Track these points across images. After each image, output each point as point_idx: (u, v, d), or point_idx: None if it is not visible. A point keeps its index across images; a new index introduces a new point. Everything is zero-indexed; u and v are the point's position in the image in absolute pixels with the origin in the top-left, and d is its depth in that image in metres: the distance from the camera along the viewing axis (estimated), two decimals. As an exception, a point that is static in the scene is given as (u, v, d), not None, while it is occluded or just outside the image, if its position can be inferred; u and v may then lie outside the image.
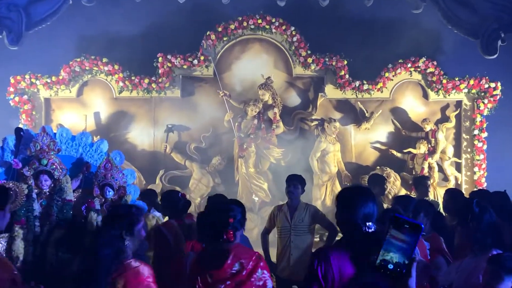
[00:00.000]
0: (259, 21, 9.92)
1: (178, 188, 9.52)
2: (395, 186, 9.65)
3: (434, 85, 10.09)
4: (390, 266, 2.28)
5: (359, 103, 10.15)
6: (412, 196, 7.17)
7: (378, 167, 9.90)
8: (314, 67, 10.05)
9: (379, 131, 10.35)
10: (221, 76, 10.06)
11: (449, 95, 10.16)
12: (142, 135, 10.21)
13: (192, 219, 5.38)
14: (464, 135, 10.22)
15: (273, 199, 9.69)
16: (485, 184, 10.00)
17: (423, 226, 2.35)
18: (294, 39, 10.00)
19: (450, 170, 10.13)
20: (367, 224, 2.79)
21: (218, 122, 10.06)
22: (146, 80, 9.95)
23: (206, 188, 9.87)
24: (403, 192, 9.56)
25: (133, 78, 10.00)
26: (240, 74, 10.19)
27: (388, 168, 9.75)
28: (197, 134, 10.12)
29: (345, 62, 9.99)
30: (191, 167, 9.99)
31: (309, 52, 10.03)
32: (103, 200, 5.80)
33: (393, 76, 10.16)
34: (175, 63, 9.99)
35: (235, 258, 3.25)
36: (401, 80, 10.26)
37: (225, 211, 3.39)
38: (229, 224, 3.32)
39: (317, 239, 8.09)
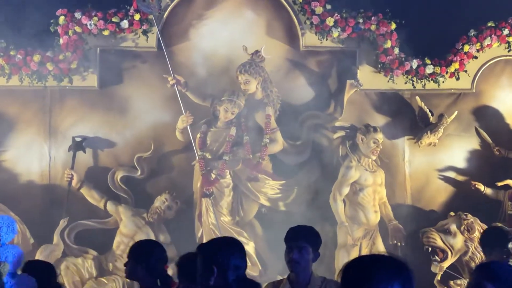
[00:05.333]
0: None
1: (92, 252, 9.61)
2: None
3: (550, 67, 10.23)
4: None
5: (418, 98, 10.20)
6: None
7: (452, 213, 9.91)
8: (339, 34, 10.06)
9: (453, 149, 10.48)
10: (171, 49, 10.11)
11: None
12: (28, 157, 10.22)
13: None
14: None
15: (264, 270, 9.70)
16: None
17: None
18: (303, -16, 10.05)
19: None
20: None
21: (166, 132, 10.11)
22: (37, 57, 9.95)
23: (144, 252, 9.79)
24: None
25: (12, 53, 10.00)
26: (206, 46, 10.23)
27: (469, 215, 9.74)
28: (127, 154, 10.21)
29: (393, 26, 10.06)
30: (116, 214, 9.97)
31: (329, 7, 10.03)
32: (-46, 273, 5.61)
33: (477, 51, 10.21)
34: (89, 27, 9.97)
35: None
36: (492, 58, 10.35)
37: None
38: None
39: None
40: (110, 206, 9.97)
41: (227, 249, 4.39)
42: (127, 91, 10.24)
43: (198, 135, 9.88)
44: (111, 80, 10.26)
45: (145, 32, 10.12)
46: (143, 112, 10.11)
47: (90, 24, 9.96)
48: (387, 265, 2.93)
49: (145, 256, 5.26)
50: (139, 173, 10.04)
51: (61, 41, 9.99)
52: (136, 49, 10.26)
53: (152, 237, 9.69)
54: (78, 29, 9.98)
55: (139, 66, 10.33)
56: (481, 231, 9.43)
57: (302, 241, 5.75)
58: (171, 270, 8.53)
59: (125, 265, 5.33)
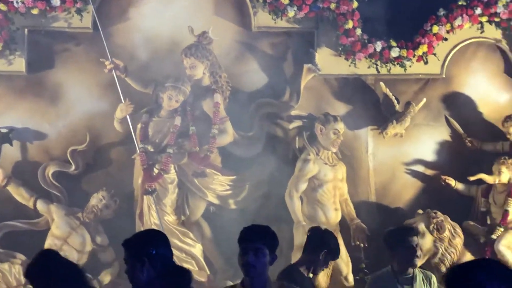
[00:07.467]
0: None
1: (21, 256, 9.54)
2: (452, 247, 9.65)
3: (527, 50, 10.23)
4: None
5: (382, 84, 10.20)
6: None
7: (420, 211, 9.92)
8: (295, 13, 9.97)
9: (421, 141, 10.55)
10: (108, 30, 10.00)
11: (555, 69, 10.30)
12: None
13: None
14: None
15: (213, 275, 9.76)
16: None
17: None
18: (254, -43, 9.98)
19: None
20: None
21: (103, 123, 10.03)
22: (-45, 40, 9.78)
23: (79, 255, 9.67)
24: (468, 258, 9.45)
25: None
26: (147, 26, 10.10)
27: (439, 213, 9.72)
28: (60, 147, 10.10)
29: (355, 5, 10.03)
30: (47, 214, 9.85)
31: (284, -16, 9.91)
32: None
33: (447, 32, 10.20)
34: (15, 5, 9.77)
35: None
36: (463, 40, 10.36)
37: None
38: None
39: None
40: (40, 205, 9.83)
41: (155, 240, 4.95)
42: (59, 77, 10.10)
43: (139, 126, 9.80)
44: (41, 64, 10.15)
45: (79, 11, 9.93)
46: (77, 100, 10.00)
47: (17, 2, 9.75)
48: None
49: None
50: (73, 168, 9.92)
51: (-17, 21, 9.79)
52: (69, 30, 10.11)
53: (88, 239, 9.78)
54: (3, 7, 9.79)
55: (73, 49, 10.21)
56: (452, 230, 9.69)
57: (258, 243, 5.78)
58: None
59: None
